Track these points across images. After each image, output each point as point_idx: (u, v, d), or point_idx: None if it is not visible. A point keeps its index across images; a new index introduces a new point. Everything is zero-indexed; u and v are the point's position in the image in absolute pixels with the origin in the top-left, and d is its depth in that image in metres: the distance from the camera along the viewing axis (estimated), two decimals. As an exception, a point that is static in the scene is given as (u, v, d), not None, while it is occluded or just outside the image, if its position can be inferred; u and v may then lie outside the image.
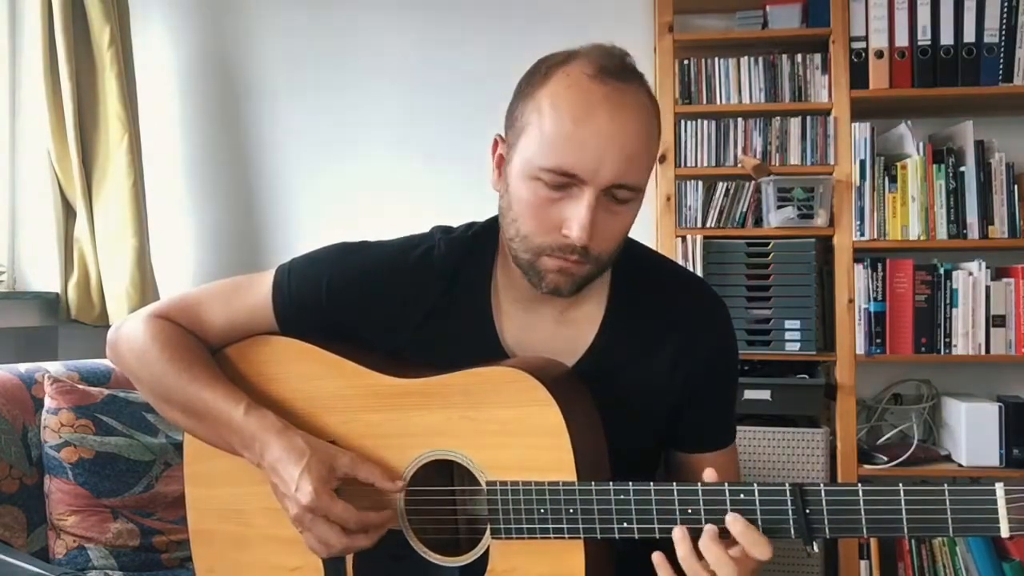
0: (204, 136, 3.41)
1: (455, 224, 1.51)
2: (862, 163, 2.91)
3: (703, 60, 3.03)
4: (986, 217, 2.88)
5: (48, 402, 2.17)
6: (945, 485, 1.09)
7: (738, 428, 2.75)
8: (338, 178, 3.35)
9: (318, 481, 1.28)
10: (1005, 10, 2.87)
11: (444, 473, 1.38)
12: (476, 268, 1.43)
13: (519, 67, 1.34)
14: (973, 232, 2.88)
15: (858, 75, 2.92)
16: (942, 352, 2.90)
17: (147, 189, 3.07)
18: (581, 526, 1.23)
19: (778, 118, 2.99)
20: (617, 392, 1.38)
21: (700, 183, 3.01)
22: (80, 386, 2.23)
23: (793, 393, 2.84)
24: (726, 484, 1.16)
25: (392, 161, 3.32)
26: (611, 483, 1.21)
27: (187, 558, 2.19)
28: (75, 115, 2.90)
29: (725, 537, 1.15)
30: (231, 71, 3.40)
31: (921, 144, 2.94)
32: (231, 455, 1.40)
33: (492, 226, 1.45)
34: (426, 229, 1.51)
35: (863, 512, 1.11)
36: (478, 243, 1.45)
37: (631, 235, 1.37)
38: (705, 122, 3.02)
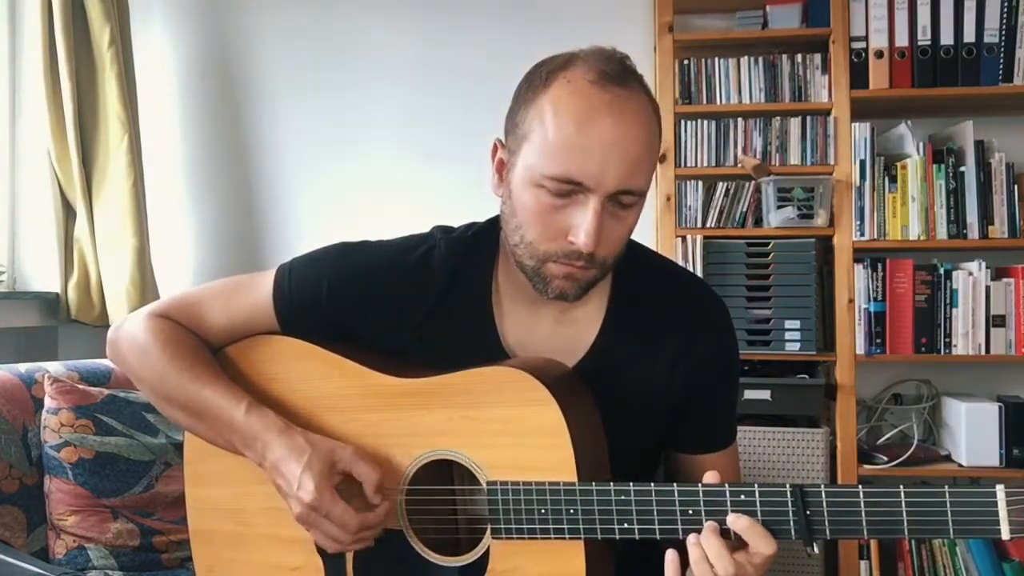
0: (204, 136, 3.41)
1: (455, 224, 1.51)
2: (862, 163, 2.91)
3: (703, 60, 3.04)
4: (986, 217, 2.88)
5: (48, 402, 2.17)
6: (946, 487, 1.08)
7: (738, 428, 2.77)
8: (338, 178, 3.35)
9: (320, 478, 1.28)
10: (1005, 10, 2.87)
11: (444, 473, 1.38)
12: (476, 268, 1.43)
13: (519, 67, 1.34)
14: (973, 232, 2.88)
15: (858, 75, 2.92)
16: (942, 352, 2.90)
17: (147, 189, 3.07)
18: (582, 526, 1.23)
19: (778, 118, 3.00)
20: (618, 392, 1.38)
21: (700, 183, 3.01)
22: (80, 386, 2.23)
23: (793, 393, 2.84)
24: (726, 485, 1.16)
25: (392, 161, 3.32)
26: (611, 483, 1.21)
27: (187, 558, 2.19)
28: (75, 115, 2.90)
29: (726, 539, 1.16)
30: (231, 71, 3.40)
31: (921, 144, 2.94)
32: (231, 455, 1.40)
33: (492, 226, 1.45)
34: (426, 229, 1.51)
35: (863, 513, 1.11)
36: (478, 243, 1.45)
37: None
38: (705, 122, 3.02)
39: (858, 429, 2.90)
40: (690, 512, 1.17)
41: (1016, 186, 2.88)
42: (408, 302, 1.42)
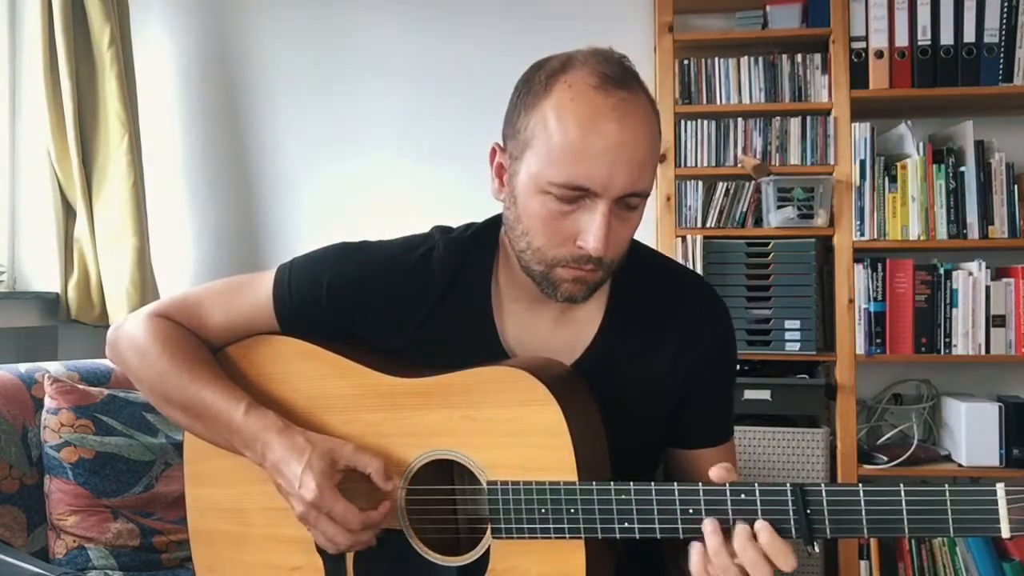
0: (204, 136, 3.41)
1: (455, 224, 1.51)
2: (862, 163, 2.91)
3: (703, 60, 3.04)
4: (986, 217, 2.88)
5: (48, 402, 2.17)
6: (946, 485, 1.08)
7: (738, 428, 2.79)
8: (338, 178, 3.35)
9: (321, 477, 1.28)
10: (1005, 10, 2.87)
11: (445, 473, 1.38)
12: (476, 268, 1.43)
13: (519, 67, 1.33)
14: (973, 232, 2.88)
15: (858, 75, 2.92)
16: (942, 352, 2.90)
17: (147, 189, 3.07)
18: (582, 526, 1.22)
19: (778, 118, 3.00)
20: (618, 390, 1.38)
21: (700, 183, 3.01)
22: (80, 386, 2.23)
23: (793, 393, 2.84)
24: (727, 484, 1.16)
25: (392, 160, 3.32)
26: (612, 483, 1.21)
27: (187, 558, 2.19)
28: (75, 115, 2.89)
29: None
30: (231, 71, 3.40)
31: (921, 144, 2.94)
32: (231, 455, 1.40)
33: (491, 226, 1.45)
34: (426, 229, 1.51)
35: (864, 512, 1.10)
36: (477, 243, 1.45)
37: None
38: (705, 122, 3.02)
39: (858, 429, 2.90)
40: (691, 511, 1.17)
41: (1016, 186, 2.88)
42: (408, 302, 1.42)
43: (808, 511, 1.13)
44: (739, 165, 2.97)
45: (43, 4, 2.85)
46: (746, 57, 3.01)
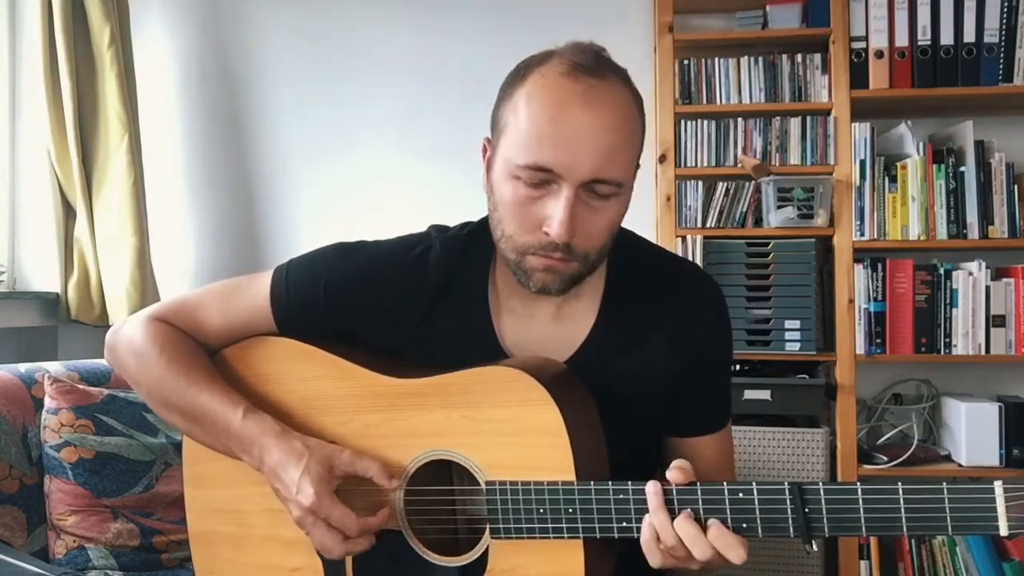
0: (204, 136, 3.41)
1: (453, 222, 1.51)
2: (862, 163, 2.91)
3: (703, 60, 3.04)
4: (986, 217, 2.88)
5: (48, 402, 2.17)
6: (944, 484, 1.09)
7: (738, 428, 2.79)
8: (338, 177, 3.35)
9: (318, 482, 1.28)
10: (1005, 10, 2.87)
11: (443, 473, 1.38)
12: (473, 267, 1.44)
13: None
14: (973, 232, 2.87)
15: (858, 75, 2.92)
16: (942, 352, 2.90)
17: (147, 189, 3.07)
18: (580, 525, 1.23)
19: (778, 118, 3.00)
20: (615, 385, 1.38)
21: (700, 183, 3.01)
22: (80, 386, 2.23)
23: (793, 393, 2.84)
24: (725, 483, 1.16)
25: (392, 160, 3.32)
26: (610, 483, 1.22)
27: (187, 558, 2.19)
28: (75, 115, 2.90)
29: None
30: (231, 71, 3.40)
31: (921, 144, 2.94)
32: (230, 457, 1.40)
33: (487, 225, 1.45)
34: (424, 228, 1.51)
35: (862, 511, 1.11)
36: (474, 242, 1.45)
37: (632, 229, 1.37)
38: (705, 122, 3.02)
39: (858, 429, 2.90)
40: (689, 511, 1.17)
41: (1016, 186, 2.88)
42: (405, 302, 1.42)
43: (806, 510, 1.13)
44: (739, 165, 2.97)
45: (43, 4, 2.85)
46: (746, 57, 3.01)
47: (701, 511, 1.17)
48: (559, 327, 1.42)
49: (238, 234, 3.40)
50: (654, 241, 2.94)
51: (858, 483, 1.12)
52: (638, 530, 1.20)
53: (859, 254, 2.92)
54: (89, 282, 2.97)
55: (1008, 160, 2.89)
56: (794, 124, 2.99)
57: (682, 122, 3.02)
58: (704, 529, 1.15)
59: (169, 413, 1.45)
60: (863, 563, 2.87)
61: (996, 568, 2.80)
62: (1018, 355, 2.86)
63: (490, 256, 1.44)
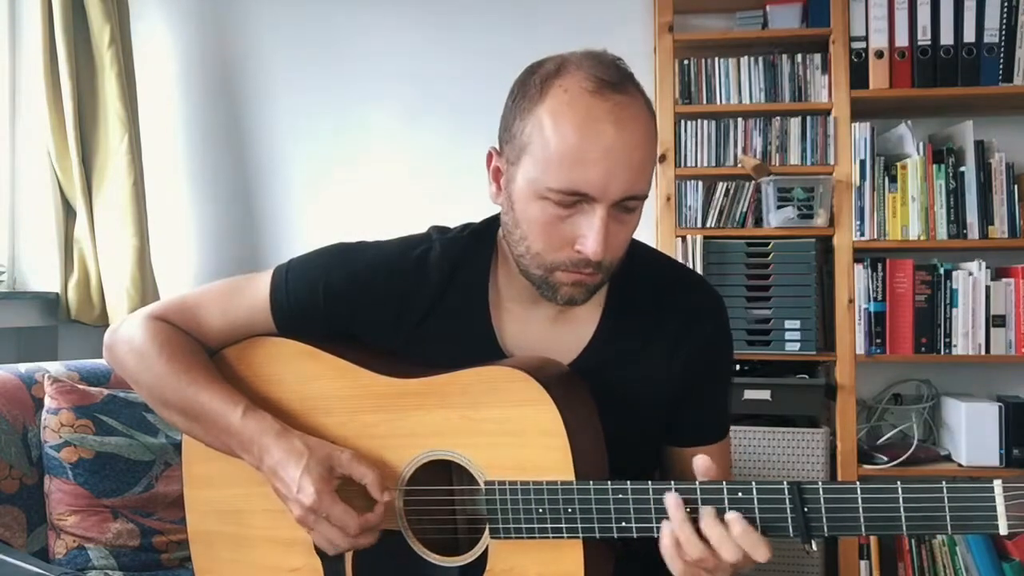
0: (204, 136, 3.41)
1: (453, 224, 1.51)
2: (862, 163, 2.91)
3: (703, 60, 3.04)
4: (986, 217, 2.88)
5: (48, 402, 2.16)
6: (943, 483, 1.08)
7: (738, 428, 2.78)
8: (338, 177, 3.35)
9: (319, 481, 1.28)
10: (1005, 10, 2.87)
11: (443, 473, 1.38)
12: (473, 268, 1.44)
13: (518, 67, 1.33)
14: (973, 232, 2.88)
15: (858, 75, 2.92)
16: (942, 352, 2.90)
17: (147, 189, 3.07)
18: (580, 526, 1.23)
19: (778, 118, 3.00)
20: (615, 389, 1.38)
21: (700, 183, 3.01)
22: (80, 386, 2.23)
23: (793, 393, 2.84)
24: (724, 483, 1.16)
25: (392, 160, 3.32)
26: (609, 483, 1.22)
27: (187, 558, 2.18)
28: (75, 115, 2.90)
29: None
30: (231, 71, 3.40)
31: (921, 144, 2.94)
32: (229, 456, 1.40)
33: (489, 226, 1.46)
34: (423, 230, 1.51)
35: (861, 510, 1.11)
36: (475, 243, 1.45)
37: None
38: (705, 122, 3.02)
39: (858, 429, 2.90)
40: (688, 511, 1.17)
41: (1016, 186, 2.88)
42: (405, 303, 1.42)
43: (805, 509, 1.13)
44: (739, 165, 2.97)
45: (43, 4, 2.85)
46: (746, 57, 3.01)
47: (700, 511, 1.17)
48: (560, 330, 1.42)
49: (238, 234, 3.40)
50: (654, 241, 2.98)
51: (857, 483, 1.12)
52: (638, 530, 1.21)
53: (859, 254, 2.92)
54: (89, 282, 2.97)
55: (1008, 160, 2.89)
56: (794, 124, 2.99)
57: (682, 122, 3.02)
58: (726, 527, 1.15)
59: (169, 412, 1.45)
60: (863, 563, 2.87)
61: (996, 568, 2.80)
62: (1018, 355, 2.86)
63: (491, 257, 1.44)
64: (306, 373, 1.43)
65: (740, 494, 1.15)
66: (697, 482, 1.18)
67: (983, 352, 2.87)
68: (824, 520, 1.12)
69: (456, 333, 1.42)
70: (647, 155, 1.25)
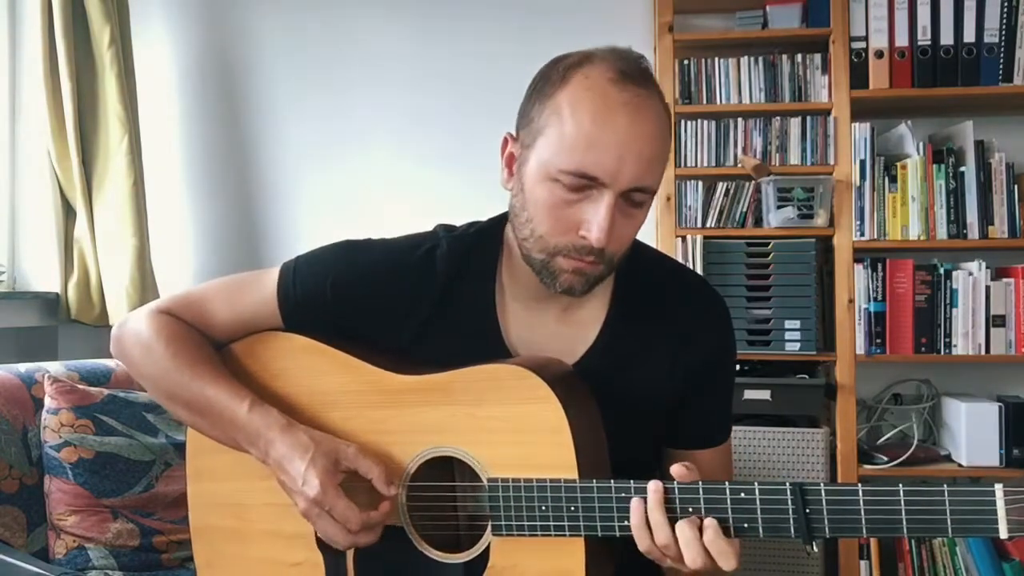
0: (204, 136, 3.41)
1: (457, 223, 1.51)
2: (862, 163, 2.91)
3: (703, 60, 3.04)
4: (986, 217, 2.88)
5: (48, 402, 2.17)
6: (945, 486, 1.09)
7: (738, 428, 2.79)
8: (339, 177, 3.35)
9: (324, 474, 1.29)
10: (1005, 10, 2.87)
11: (446, 470, 1.39)
12: (480, 266, 1.44)
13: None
14: (973, 232, 2.88)
15: (858, 75, 2.92)
16: (942, 352, 2.90)
17: (147, 189, 3.07)
18: (582, 523, 1.23)
19: (778, 118, 3.00)
20: (618, 390, 1.39)
21: (700, 183, 3.01)
22: (80, 386, 2.23)
23: (793, 393, 2.84)
24: (727, 483, 1.17)
25: (393, 160, 3.32)
26: (612, 481, 1.22)
27: (187, 558, 2.19)
28: (75, 115, 2.90)
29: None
30: (231, 71, 3.40)
31: (921, 144, 2.94)
32: (233, 450, 1.41)
33: (495, 225, 1.46)
34: (428, 228, 1.51)
35: (863, 512, 1.11)
36: (482, 241, 1.46)
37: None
38: (705, 122, 3.02)
39: (858, 429, 2.90)
40: (690, 510, 1.18)
41: (1016, 186, 2.88)
42: (411, 300, 1.43)
43: (807, 511, 1.13)
44: (739, 165, 2.97)
45: (43, 4, 2.85)
46: (746, 57, 3.01)
47: (702, 510, 1.17)
48: (565, 329, 1.43)
49: (238, 234, 3.40)
50: (654, 241, 2.98)
51: (859, 484, 1.13)
52: None
53: (859, 254, 2.92)
54: (89, 282, 2.97)
55: (1008, 160, 2.89)
56: (794, 124, 2.99)
57: (682, 122, 3.02)
58: (700, 531, 1.16)
59: (175, 406, 1.46)
60: (863, 563, 2.87)
61: (996, 568, 2.80)
62: (1018, 355, 2.86)
63: (497, 256, 1.45)
64: (312, 368, 1.44)
65: (743, 494, 1.16)
66: (699, 483, 1.18)
67: (983, 352, 2.87)
68: (826, 521, 1.13)
69: (462, 330, 1.42)
70: (659, 150, 1.26)
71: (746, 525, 1.16)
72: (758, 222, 3.02)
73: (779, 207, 2.92)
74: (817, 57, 2.99)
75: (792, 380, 2.86)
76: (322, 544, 1.38)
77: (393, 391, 1.37)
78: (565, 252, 1.28)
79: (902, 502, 1.09)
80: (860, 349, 2.89)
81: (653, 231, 3.02)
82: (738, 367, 2.88)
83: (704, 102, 3.03)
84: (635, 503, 1.20)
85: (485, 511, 1.30)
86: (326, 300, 1.44)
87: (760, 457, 2.80)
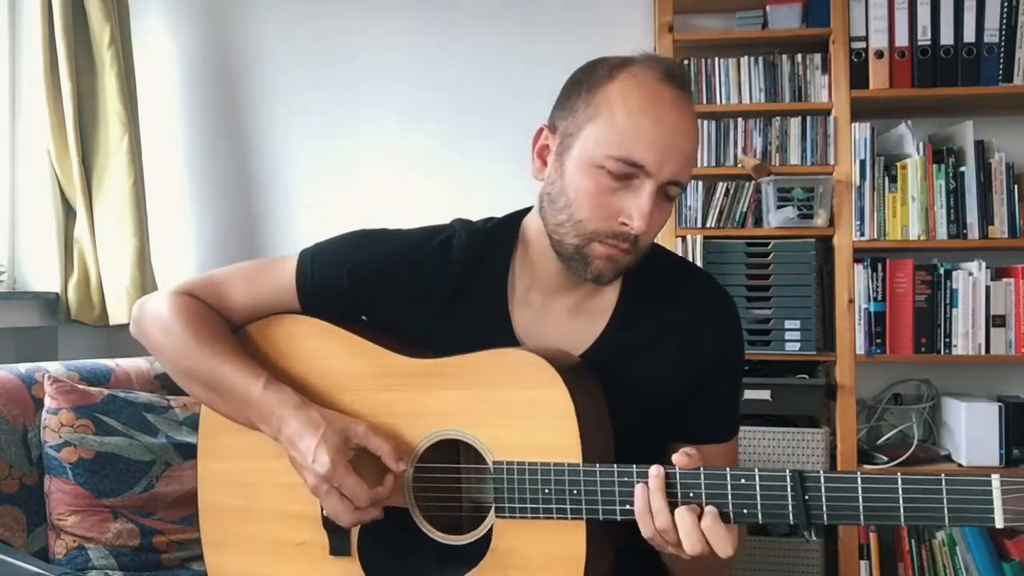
0: (204, 135, 3.41)
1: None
2: (862, 163, 2.91)
3: (703, 60, 3.04)
4: (986, 217, 2.88)
5: (48, 402, 2.16)
6: (942, 475, 1.10)
7: (739, 428, 2.77)
8: (339, 177, 3.35)
9: (334, 451, 1.32)
10: (1005, 10, 2.88)
11: (453, 453, 1.41)
12: (494, 258, 1.48)
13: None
14: (973, 232, 2.88)
15: (858, 75, 2.93)
16: (942, 352, 2.90)
17: (147, 189, 3.08)
18: (584, 507, 1.26)
19: (778, 118, 3.00)
20: (625, 383, 1.41)
21: (700, 183, 3.01)
22: (80, 386, 2.23)
23: (793, 393, 2.84)
24: (727, 469, 1.18)
25: (393, 159, 3.32)
26: (615, 466, 1.24)
27: (187, 558, 2.20)
28: (75, 115, 2.90)
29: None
30: (231, 71, 3.41)
31: (921, 144, 2.95)
32: (245, 430, 1.45)
33: (512, 220, 1.51)
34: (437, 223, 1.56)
35: (861, 499, 1.13)
36: (497, 235, 1.50)
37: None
38: (705, 122, 3.02)
39: (858, 429, 2.90)
40: (691, 496, 1.20)
41: (1016, 186, 2.88)
42: (426, 289, 1.47)
43: (806, 497, 1.15)
44: (739, 165, 2.97)
45: (43, 4, 2.86)
46: (746, 57, 3.02)
47: (703, 496, 1.19)
48: (575, 322, 1.46)
49: (238, 234, 3.40)
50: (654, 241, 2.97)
51: (858, 472, 1.14)
52: None
53: (859, 254, 2.92)
54: (89, 282, 2.97)
55: (1008, 160, 2.89)
56: (794, 124, 2.99)
57: (682, 122, 3.01)
58: (700, 517, 1.18)
59: (191, 383, 1.50)
60: (863, 563, 2.87)
61: (996, 568, 2.80)
62: (1018, 355, 2.86)
63: (512, 249, 1.49)
64: (326, 351, 1.48)
65: (743, 480, 1.17)
66: (701, 468, 1.20)
67: (983, 352, 2.87)
68: (824, 508, 1.14)
69: (472, 321, 1.46)
70: (694, 150, 1.35)
71: (746, 511, 1.18)
72: (758, 222, 3.02)
73: (779, 207, 2.92)
74: (817, 57, 2.99)
75: (792, 380, 2.86)
76: (327, 523, 1.41)
77: (404, 374, 1.41)
78: (602, 238, 1.32)
79: (899, 490, 1.11)
80: (860, 349, 2.89)
81: (653, 231, 3.02)
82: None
83: (704, 102, 3.04)
84: (639, 489, 1.22)
85: (489, 493, 1.32)
86: (343, 287, 1.48)
87: (760, 457, 2.80)
